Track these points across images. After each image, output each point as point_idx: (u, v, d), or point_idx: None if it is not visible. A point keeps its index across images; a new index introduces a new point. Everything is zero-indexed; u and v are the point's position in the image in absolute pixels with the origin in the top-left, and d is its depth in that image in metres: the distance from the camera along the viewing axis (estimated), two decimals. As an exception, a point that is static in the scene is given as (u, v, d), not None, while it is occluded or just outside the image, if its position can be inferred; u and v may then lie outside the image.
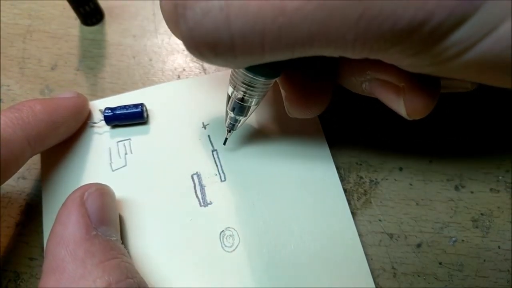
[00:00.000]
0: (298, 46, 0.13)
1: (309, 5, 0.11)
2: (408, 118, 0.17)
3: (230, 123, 0.21)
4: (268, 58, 0.13)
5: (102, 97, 0.25)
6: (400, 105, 0.17)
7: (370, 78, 0.18)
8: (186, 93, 0.25)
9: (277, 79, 0.18)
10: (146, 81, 0.26)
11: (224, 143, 0.23)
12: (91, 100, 0.24)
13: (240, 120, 0.21)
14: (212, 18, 0.12)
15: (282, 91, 0.20)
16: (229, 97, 0.20)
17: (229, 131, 0.22)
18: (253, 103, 0.19)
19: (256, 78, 0.17)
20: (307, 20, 0.12)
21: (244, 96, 0.19)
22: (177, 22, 0.14)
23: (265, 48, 0.13)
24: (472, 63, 0.12)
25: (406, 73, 0.15)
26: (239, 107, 0.19)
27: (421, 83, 0.16)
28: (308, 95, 0.19)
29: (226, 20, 0.12)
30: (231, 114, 0.20)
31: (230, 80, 0.19)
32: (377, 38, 0.12)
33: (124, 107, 0.23)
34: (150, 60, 0.27)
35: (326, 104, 0.20)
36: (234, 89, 0.19)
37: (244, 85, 0.18)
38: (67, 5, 0.27)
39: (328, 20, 0.12)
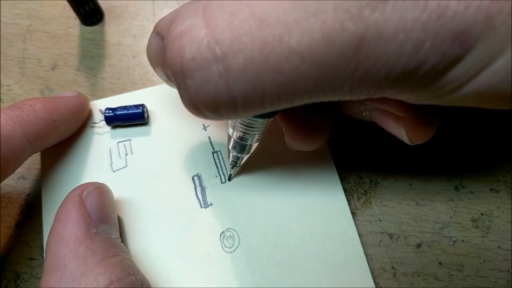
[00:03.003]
0: (297, 99, 0.13)
1: (304, 65, 0.12)
2: (411, 144, 0.18)
3: (233, 161, 0.21)
4: (269, 110, 0.14)
5: (102, 97, 0.25)
6: (402, 132, 0.17)
7: (370, 107, 0.18)
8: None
9: (276, 117, 0.19)
10: (146, 81, 0.26)
11: (229, 179, 0.23)
12: (91, 100, 0.24)
13: (243, 157, 0.21)
14: (212, 85, 0.12)
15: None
16: (230, 137, 0.20)
17: (232, 167, 0.22)
18: (253, 141, 0.20)
19: (254, 120, 0.18)
20: (304, 78, 0.12)
21: (244, 135, 0.19)
22: (164, 66, 0.15)
23: (265, 104, 0.13)
24: (469, 96, 0.13)
25: (405, 103, 0.15)
26: (240, 146, 0.20)
27: (421, 112, 0.17)
28: (308, 130, 0.19)
29: (227, 85, 0.12)
30: (233, 153, 0.21)
31: (229, 121, 0.19)
32: (372, 86, 0.12)
33: (125, 107, 0.23)
34: (150, 60, 0.27)
35: (327, 137, 0.20)
36: (233, 129, 0.19)
37: (243, 126, 0.18)
38: (67, 5, 0.27)
39: (324, 76, 0.12)
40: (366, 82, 0.12)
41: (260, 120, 0.18)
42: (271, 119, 0.18)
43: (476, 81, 0.12)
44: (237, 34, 0.12)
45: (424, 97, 0.14)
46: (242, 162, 0.21)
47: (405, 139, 0.17)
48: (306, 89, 0.12)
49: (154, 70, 0.18)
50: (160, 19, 0.16)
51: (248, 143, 0.20)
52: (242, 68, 0.12)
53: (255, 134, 0.19)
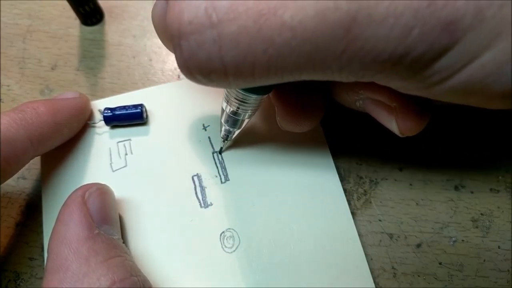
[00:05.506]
0: (287, 74, 0.13)
1: (295, 40, 0.12)
2: (401, 136, 0.18)
3: (225, 134, 0.22)
4: (259, 83, 0.14)
5: (102, 97, 0.25)
6: (393, 123, 0.18)
7: (363, 97, 0.18)
8: (186, 94, 0.25)
9: (269, 94, 0.19)
10: (146, 81, 0.26)
11: (220, 152, 0.23)
12: (91, 100, 0.24)
13: (234, 132, 0.21)
14: (206, 50, 0.13)
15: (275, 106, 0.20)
16: (223, 110, 0.20)
17: (223, 141, 0.22)
18: (246, 117, 0.20)
19: (248, 95, 0.18)
20: (294, 52, 0.12)
21: (237, 110, 0.19)
22: (168, 38, 0.15)
23: (255, 75, 0.13)
24: (457, 88, 0.13)
25: (398, 93, 0.16)
26: (233, 120, 0.20)
27: (413, 103, 0.17)
28: (300, 111, 0.19)
29: (219, 52, 0.13)
30: (226, 126, 0.21)
31: (224, 95, 0.20)
32: (361, 68, 0.13)
33: (124, 107, 0.23)
34: (150, 60, 0.27)
35: (318, 119, 0.20)
36: (227, 103, 0.20)
37: (237, 101, 0.19)
38: (67, 5, 0.27)
39: (313, 53, 0.12)
40: (355, 63, 0.13)
41: (254, 96, 0.18)
42: (265, 96, 0.18)
43: (463, 73, 0.12)
44: (234, 3, 0.12)
45: (413, 87, 0.14)
46: (234, 136, 0.22)
47: (396, 131, 0.18)
48: (296, 64, 0.13)
49: (158, 35, 0.18)
50: None
51: (241, 118, 0.20)
52: (235, 36, 0.12)
53: (248, 110, 0.19)
